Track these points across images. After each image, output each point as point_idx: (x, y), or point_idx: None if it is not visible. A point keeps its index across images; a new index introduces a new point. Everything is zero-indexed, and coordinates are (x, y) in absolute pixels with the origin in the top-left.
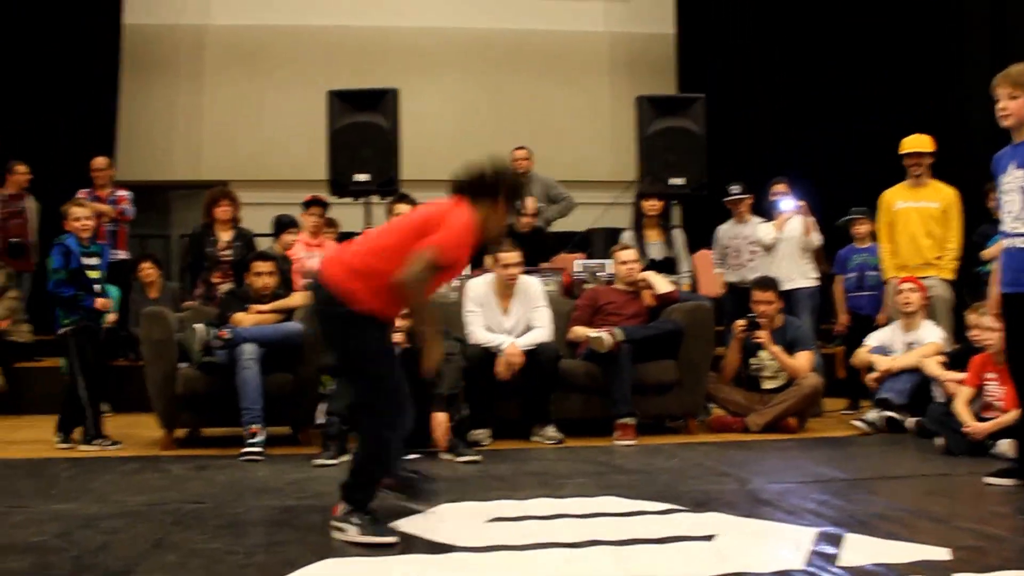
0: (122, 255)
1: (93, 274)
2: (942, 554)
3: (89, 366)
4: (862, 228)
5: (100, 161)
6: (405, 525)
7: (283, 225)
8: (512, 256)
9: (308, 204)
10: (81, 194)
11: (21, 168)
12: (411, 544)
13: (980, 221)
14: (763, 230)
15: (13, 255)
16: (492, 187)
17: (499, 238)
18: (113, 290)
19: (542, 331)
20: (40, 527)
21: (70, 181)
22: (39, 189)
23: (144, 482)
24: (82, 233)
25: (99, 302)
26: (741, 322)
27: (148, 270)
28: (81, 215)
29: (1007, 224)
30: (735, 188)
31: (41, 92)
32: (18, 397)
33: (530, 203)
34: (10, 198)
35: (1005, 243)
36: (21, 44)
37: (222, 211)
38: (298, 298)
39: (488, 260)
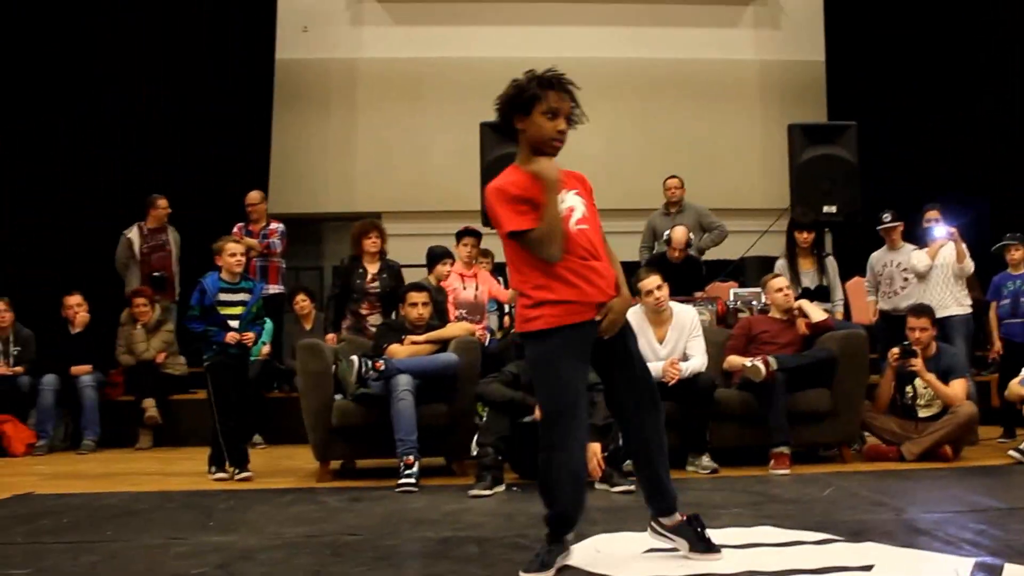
0: (273, 289)
1: (233, 310)
2: None
3: (225, 400)
4: (1017, 254)
5: (254, 195)
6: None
7: (437, 256)
8: (651, 281)
9: (461, 235)
10: (236, 228)
11: (162, 202)
12: (568, 575)
13: None
14: (916, 257)
15: (156, 288)
16: (506, 108)
17: (555, 144)
18: (266, 323)
19: (698, 360)
20: (201, 559)
21: (223, 215)
22: (192, 223)
23: (300, 514)
24: (234, 268)
25: (230, 336)
26: (895, 350)
27: (302, 302)
28: (236, 251)
29: None
30: (887, 216)
31: (196, 127)
32: (175, 429)
33: (680, 233)
34: (152, 232)
35: None
36: (177, 80)
37: (370, 243)
38: (453, 329)
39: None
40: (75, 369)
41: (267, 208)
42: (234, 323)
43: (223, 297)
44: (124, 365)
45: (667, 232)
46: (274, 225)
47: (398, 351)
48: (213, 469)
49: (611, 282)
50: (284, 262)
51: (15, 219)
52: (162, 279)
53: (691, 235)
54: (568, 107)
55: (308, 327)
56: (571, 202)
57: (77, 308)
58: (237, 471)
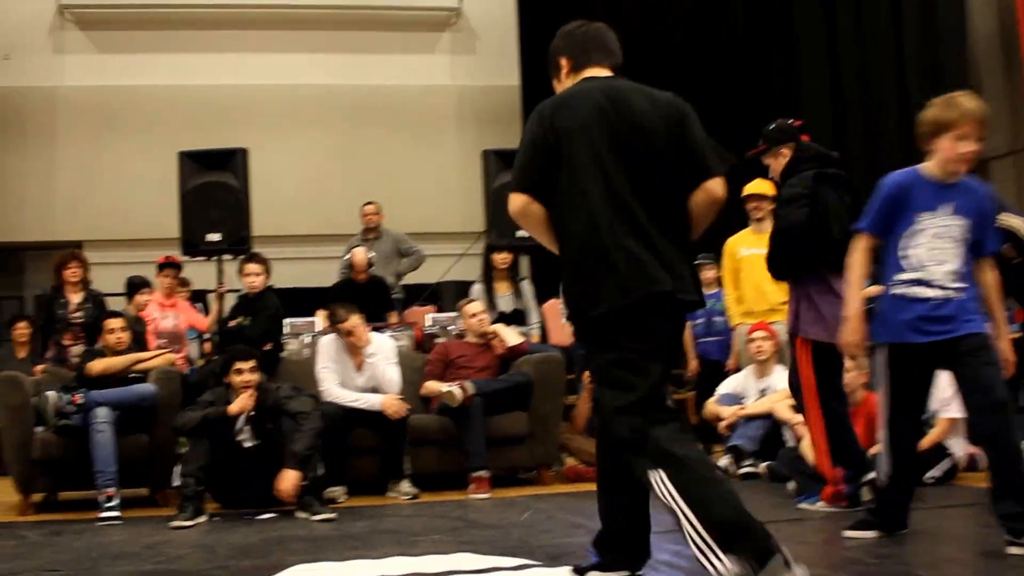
0: None
1: None
2: None
3: None
4: (709, 274)
5: None
6: None
7: (135, 286)
8: (352, 321)
9: (162, 266)
10: None
11: None
12: None
13: None
14: None
15: None
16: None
17: None
18: None
19: (391, 386)
20: None
21: None
22: None
23: (1, 549)
24: None
25: None
26: (589, 372)
27: (23, 329)
28: None
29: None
30: None
31: None
32: None
33: (360, 255)
34: None
35: (901, 290)
36: None
37: (71, 273)
38: (158, 360)
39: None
40: None
41: None
42: None
43: None
44: None
45: (347, 256)
46: None
47: (95, 366)
48: None
49: None
50: None
51: None
52: None
53: (373, 258)
54: None
55: (22, 355)
56: None
57: None
58: None
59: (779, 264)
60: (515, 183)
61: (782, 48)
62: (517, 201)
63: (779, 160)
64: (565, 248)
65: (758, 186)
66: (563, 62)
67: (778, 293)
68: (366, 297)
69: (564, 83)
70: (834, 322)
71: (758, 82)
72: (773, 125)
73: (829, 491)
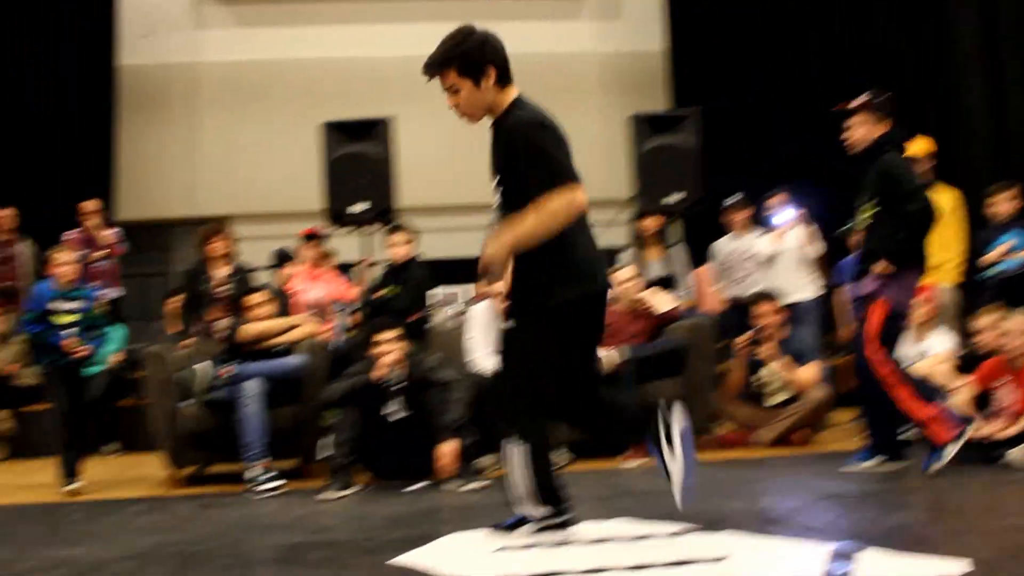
0: (113, 294)
1: (67, 318)
2: (961, 566)
3: (63, 406)
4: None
5: (88, 204)
6: (410, 558)
7: (282, 258)
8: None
9: (306, 239)
10: (69, 236)
11: (3, 213)
12: None
13: (981, 226)
14: (761, 243)
15: (4, 300)
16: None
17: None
18: (119, 329)
19: None
20: (47, 574)
21: (65, 223)
22: (42, 233)
23: (151, 523)
24: (60, 279)
25: (65, 343)
26: (742, 338)
27: (175, 304)
28: (62, 260)
29: None
30: (734, 198)
31: (40, 137)
32: (27, 440)
33: None
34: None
35: None
36: (16, 90)
37: (215, 248)
38: (299, 332)
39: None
40: None
41: (111, 215)
42: (73, 329)
43: (56, 305)
44: None
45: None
46: (108, 232)
47: (249, 329)
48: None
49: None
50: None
51: None
52: (10, 291)
53: None
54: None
55: (173, 330)
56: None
57: None
58: (67, 482)
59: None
60: (567, 175)
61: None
62: (576, 190)
63: (873, 130)
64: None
65: (916, 145)
66: (491, 71)
67: (937, 253)
68: None
69: (489, 90)
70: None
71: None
72: (887, 95)
73: (940, 431)
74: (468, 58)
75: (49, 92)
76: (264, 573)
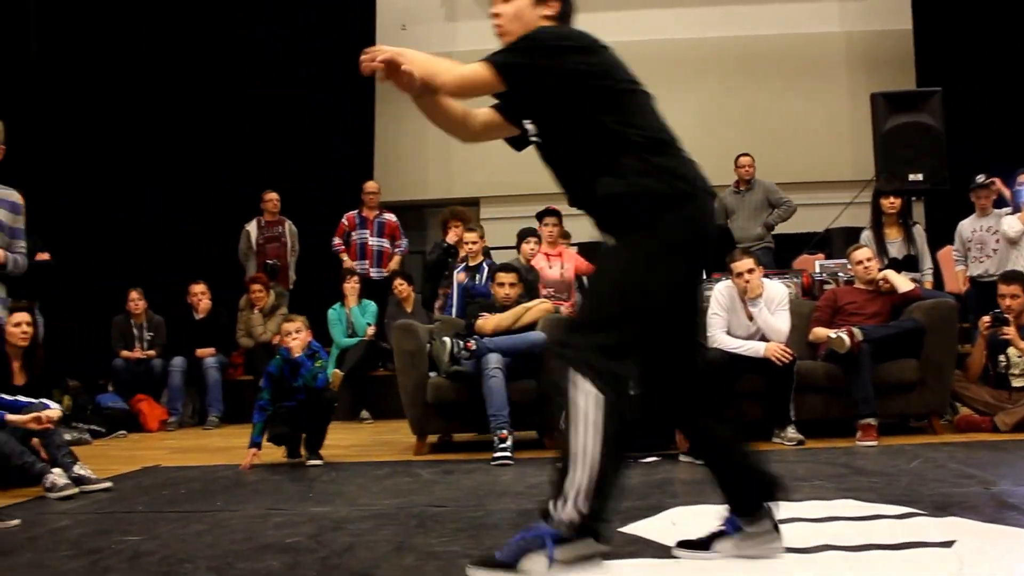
0: (375, 274)
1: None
2: None
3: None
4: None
5: (372, 185)
6: (638, 528)
7: (521, 236)
8: (743, 264)
9: (542, 215)
10: (347, 217)
11: (269, 196)
12: (642, 548)
13: None
14: (1008, 222)
15: (270, 275)
16: None
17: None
18: (371, 305)
19: (778, 334)
20: (295, 529)
21: (335, 206)
22: (306, 214)
23: (394, 486)
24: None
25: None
26: (986, 318)
27: (400, 287)
28: (291, 329)
29: None
30: (981, 176)
31: (306, 122)
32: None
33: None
34: (268, 224)
35: None
36: (286, 79)
37: (453, 235)
38: (534, 312)
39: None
40: (200, 351)
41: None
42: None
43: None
44: (244, 347)
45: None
46: (388, 216)
47: (485, 324)
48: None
49: None
50: (403, 244)
51: (145, 216)
52: (275, 267)
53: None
54: None
55: (408, 310)
56: None
57: (200, 295)
58: (309, 456)
59: None
60: (496, 59)
61: None
62: (488, 75)
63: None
64: None
65: None
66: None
67: None
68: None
69: (540, 20)
70: None
71: None
72: None
73: None
74: None
75: (315, 83)
76: (492, 536)
